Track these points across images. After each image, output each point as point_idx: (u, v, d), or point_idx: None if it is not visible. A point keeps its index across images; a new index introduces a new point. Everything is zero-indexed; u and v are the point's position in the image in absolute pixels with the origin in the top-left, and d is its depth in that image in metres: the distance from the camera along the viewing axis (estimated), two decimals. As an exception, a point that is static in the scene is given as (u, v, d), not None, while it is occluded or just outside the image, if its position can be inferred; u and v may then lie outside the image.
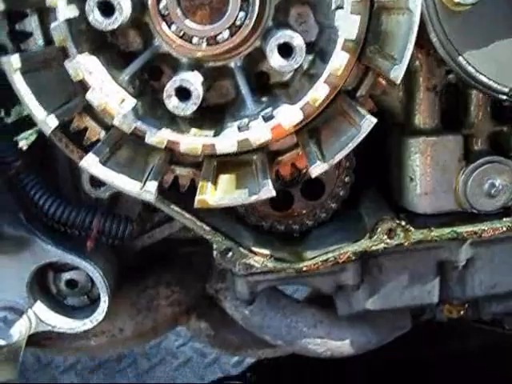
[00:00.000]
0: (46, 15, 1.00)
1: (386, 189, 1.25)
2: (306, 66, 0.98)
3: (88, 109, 1.02)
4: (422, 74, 1.12)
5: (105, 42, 0.99)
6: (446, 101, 1.17)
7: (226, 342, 1.57)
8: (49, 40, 1.00)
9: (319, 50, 0.98)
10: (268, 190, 0.91)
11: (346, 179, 1.21)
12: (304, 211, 1.23)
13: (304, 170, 1.14)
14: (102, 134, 1.03)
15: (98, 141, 1.05)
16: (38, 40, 1.01)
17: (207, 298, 1.51)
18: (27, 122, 1.25)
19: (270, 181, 0.92)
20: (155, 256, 1.43)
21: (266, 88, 1.02)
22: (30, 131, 1.25)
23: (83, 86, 0.99)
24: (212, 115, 1.01)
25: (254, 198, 0.92)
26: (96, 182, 1.15)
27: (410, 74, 1.12)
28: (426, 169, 1.16)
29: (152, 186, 0.93)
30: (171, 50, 0.94)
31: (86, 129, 1.05)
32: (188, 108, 0.86)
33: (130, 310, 1.39)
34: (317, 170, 0.91)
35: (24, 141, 1.23)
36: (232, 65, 0.96)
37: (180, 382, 1.93)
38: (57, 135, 1.10)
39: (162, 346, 2.02)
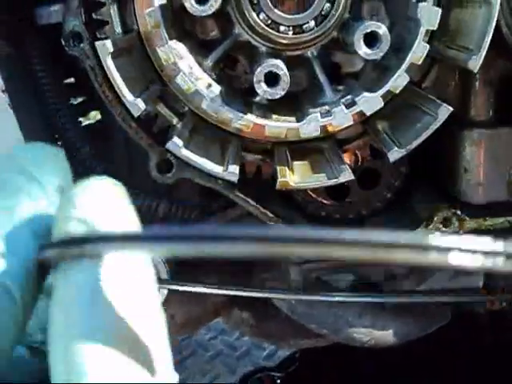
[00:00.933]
0: (123, 4, 1.04)
1: (437, 179, 1.29)
2: (378, 58, 1.02)
3: (161, 96, 1.06)
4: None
5: (184, 31, 1.02)
6: (500, 94, 1.21)
7: (268, 332, 1.60)
8: (126, 29, 1.04)
9: (391, 42, 1.01)
10: (348, 174, 0.95)
11: (402, 169, 1.25)
12: (360, 200, 1.26)
13: (362, 160, 1.18)
14: (175, 120, 1.07)
15: (168, 127, 1.09)
16: (116, 28, 1.04)
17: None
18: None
19: (347, 166, 0.96)
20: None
21: (337, 78, 1.06)
22: (93, 113, 1.28)
23: (158, 75, 1.03)
24: (284, 103, 1.04)
25: (333, 182, 0.96)
26: (163, 169, 1.18)
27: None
28: (480, 160, 1.20)
29: (234, 168, 0.96)
30: (252, 38, 0.98)
31: (155, 116, 1.09)
32: (277, 93, 0.89)
33: (180, 296, 1.41)
34: (395, 155, 0.95)
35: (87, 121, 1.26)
36: (309, 54, 1.00)
37: (211, 375, 1.95)
38: (127, 122, 1.14)
39: (192, 339, 2.04)
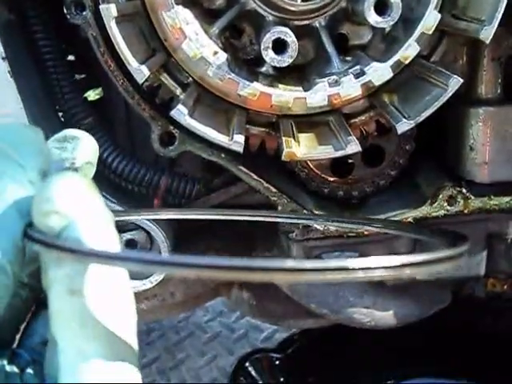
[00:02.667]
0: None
1: (442, 157, 1.27)
2: (387, 29, 1.00)
3: (165, 66, 1.04)
4: (488, 44, 1.14)
5: (189, -1, 1.00)
6: (508, 72, 1.19)
7: (268, 312, 1.59)
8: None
9: (401, 13, 1.00)
10: (355, 146, 0.94)
11: (407, 147, 1.23)
12: (364, 178, 1.25)
13: (367, 136, 1.17)
14: (178, 91, 1.05)
15: (171, 99, 1.07)
16: (120, -5, 1.02)
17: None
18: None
19: (354, 137, 0.94)
20: (204, 222, 1.44)
21: (345, 50, 1.04)
22: (97, 89, 1.26)
23: (162, 44, 1.01)
24: (290, 75, 1.02)
25: (340, 153, 0.94)
26: (165, 141, 1.16)
27: (476, 44, 1.15)
28: (486, 138, 1.18)
29: (240, 138, 0.94)
30: (259, 6, 0.96)
31: (158, 87, 1.07)
32: (284, 60, 0.87)
33: (181, 274, 1.40)
34: (403, 127, 0.93)
35: (91, 94, 1.24)
36: (316, 24, 0.98)
37: (209, 356, 1.94)
38: (130, 92, 1.11)
39: (190, 321, 2.03)
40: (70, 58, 1.43)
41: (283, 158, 0.96)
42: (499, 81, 1.17)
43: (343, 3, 0.97)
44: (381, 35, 1.01)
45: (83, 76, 1.43)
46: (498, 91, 1.18)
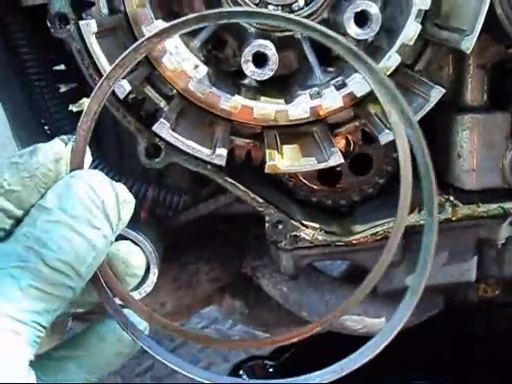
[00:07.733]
0: (110, -16, 1.01)
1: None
2: (370, 39, 1.00)
3: (149, 79, 1.04)
4: (473, 51, 1.14)
5: (171, 11, 1.00)
6: (494, 79, 1.19)
7: (260, 320, 1.59)
8: (112, 9, 1.02)
9: (383, 23, 0.99)
10: (337, 157, 0.93)
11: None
12: (351, 186, 1.25)
13: (354, 145, 1.17)
14: (163, 103, 1.05)
15: (156, 111, 1.07)
16: (102, 9, 1.02)
17: (241, 277, 1.53)
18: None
19: (337, 149, 0.94)
20: (194, 232, 1.44)
21: (327, 61, 1.04)
22: (83, 100, 1.26)
23: (146, 57, 1.01)
24: (274, 86, 1.02)
25: (323, 165, 0.94)
26: (151, 153, 1.16)
27: (461, 52, 1.14)
28: (473, 146, 1.18)
29: (222, 151, 0.94)
30: (240, 19, 0.95)
31: (143, 99, 1.06)
32: (265, 73, 0.87)
33: (171, 284, 1.40)
34: (386, 138, 0.93)
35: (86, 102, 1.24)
36: (298, 35, 0.98)
37: (204, 363, 1.94)
38: (115, 105, 1.11)
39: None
40: (61, 67, 1.43)
41: (266, 170, 0.95)
42: (485, 88, 1.17)
43: (325, 14, 0.97)
44: (364, 45, 1.01)
45: (75, 85, 1.43)
46: (484, 98, 1.18)
